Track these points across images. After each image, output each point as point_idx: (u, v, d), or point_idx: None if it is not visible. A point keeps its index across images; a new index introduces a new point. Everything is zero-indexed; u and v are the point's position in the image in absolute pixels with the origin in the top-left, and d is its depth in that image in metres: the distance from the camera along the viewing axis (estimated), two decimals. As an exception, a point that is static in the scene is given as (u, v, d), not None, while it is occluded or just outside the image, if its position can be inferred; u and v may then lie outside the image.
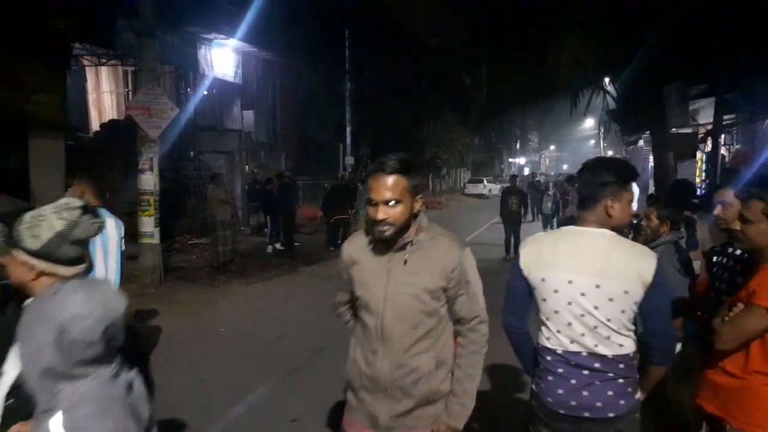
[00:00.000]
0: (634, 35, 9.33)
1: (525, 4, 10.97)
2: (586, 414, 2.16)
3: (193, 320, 7.75)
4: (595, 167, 2.26)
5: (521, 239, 8.01)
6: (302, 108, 21.83)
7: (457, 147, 35.34)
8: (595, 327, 2.14)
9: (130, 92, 16.99)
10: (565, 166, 71.62)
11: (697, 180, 13.30)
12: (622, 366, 2.16)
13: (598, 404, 2.14)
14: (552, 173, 47.27)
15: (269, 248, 13.39)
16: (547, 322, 2.24)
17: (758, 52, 8.57)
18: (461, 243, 2.25)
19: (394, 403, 2.21)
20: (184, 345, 6.57)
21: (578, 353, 2.18)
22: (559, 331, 2.21)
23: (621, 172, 2.23)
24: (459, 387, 2.25)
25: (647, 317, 2.18)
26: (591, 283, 2.13)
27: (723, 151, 12.99)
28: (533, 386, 2.34)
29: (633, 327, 2.19)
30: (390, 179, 2.07)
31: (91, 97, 17.95)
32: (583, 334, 2.16)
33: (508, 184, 14.28)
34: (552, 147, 78.24)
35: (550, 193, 16.60)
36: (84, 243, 1.81)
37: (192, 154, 17.08)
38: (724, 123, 11.64)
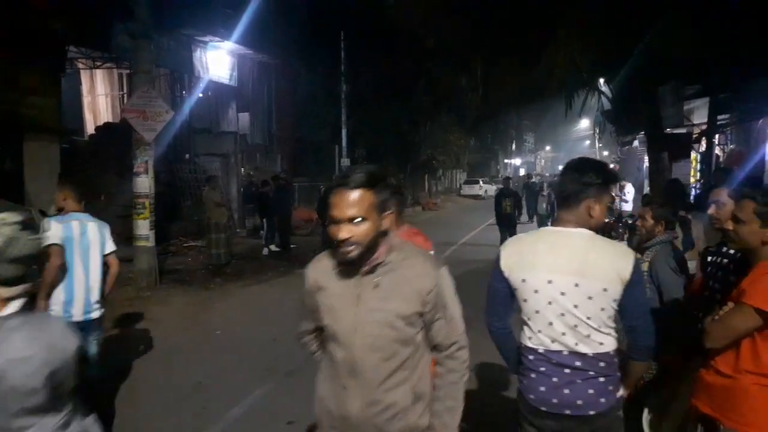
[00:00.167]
0: (630, 36, 9.35)
1: (520, 5, 10.99)
2: (567, 411, 2.20)
3: (189, 323, 7.73)
4: (579, 168, 2.30)
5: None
6: (298, 110, 21.82)
7: (452, 148, 35.33)
8: (576, 326, 2.18)
9: (125, 95, 16.98)
10: (560, 167, 71.22)
11: (692, 180, 13.35)
12: (602, 364, 2.20)
13: (579, 402, 2.18)
14: (548, 174, 47.35)
15: (265, 250, 13.38)
16: (529, 322, 2.28)
17: (752, 53, 8.61)
18: (437, 262, 2.07)
19: None
20: (180, 348, 6.56)
21: (559, 352, 2.21)
22: (540, 331, 2.24)
23: (604, 174, 2.28)
24: (438, 421, 2.06)
25: (627, 314, 2.22)
26: (570, 282, 2.17)
27: (717, 151, 13.03)
28: (519, 384, 2.38)
29: (613, 325, 2.23)
30: (354, 195, 1.87)
31: (86, 100, 17.93)
32: (564, 333, 2.20)
33: (502, 186, 14.26)
34: (548, 148, 78.35)
35: (545, 193, 16.62)
36: (27, 261, 1.57)
37: (187, 156, 17.08)
38: (718, 123, 11.68)
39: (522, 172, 52.93)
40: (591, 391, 2.18)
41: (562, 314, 2.19)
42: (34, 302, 3.34)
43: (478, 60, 13.53)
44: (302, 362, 5.99)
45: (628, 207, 15.36)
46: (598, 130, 14.57)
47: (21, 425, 1.27)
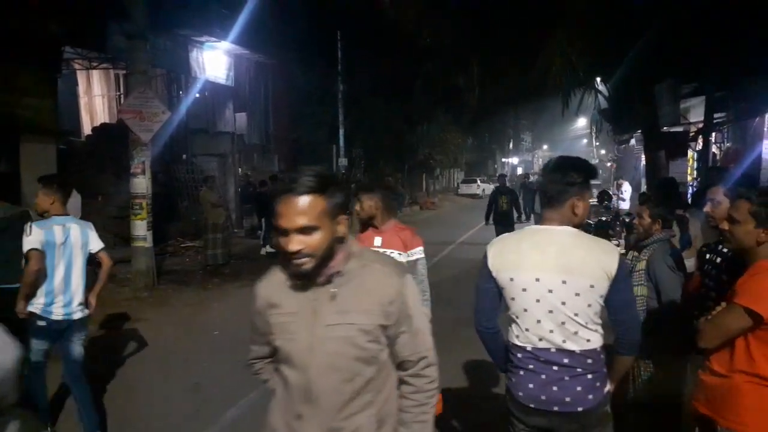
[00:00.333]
0: (626, 35, 9.36)
1: (517, 4, 11.00)
2: (556, 408, 2.22)
3: (187, 323, 7.73)
4: (562, 167, 2.32)
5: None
6: (295, 110, 21.81)
7: (450, 147, 35.38)
8: (563, 323, 2.20)
9: (122, 96, 16.94)
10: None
11: (689, 178, 13.37)
12: (590, 361, 2.22)
13: (567, 399, 2.21)
14: (545, 173, 47.28)
15: (263, 250, 13.38)
16: (517, 320, 2.30)
17: (748, 51, 8.62)
18: (400, 269, 1.88)
19: None
20: (178, 349, 6.55)
21: (547, 350, 2.24)
22: (528, 329, 2.26)
23: (586, 172, 2.30)
24: None
25: (614, 310, 2.24)
26: (557, 279, 2.19)
27: (714, 149, 13.06)
28: (507, 382, 2.40)
29: (600, 321, 2.25)
30: (303, 201, 1.66)
31: (83, 101, 17.89)
32: (551, 331, 2.22)
33: (497, 184, 14.04)
34: (545, 146, 78.40)
35: (542, 192, 16.59)
36: None
37: (184, 156, 17.06)
38: (714, 121, 11.70)
39: (519, 171, 52.99)
40: (579, 388, 2.20)
41: (551, 311, 2.21)
42: None
43: (475, 59, 13.54)
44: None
45: (625, 205, 15.39)
46: (595, 129, 14.57)
47: None
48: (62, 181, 4.28)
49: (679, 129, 12.65)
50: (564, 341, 2.21)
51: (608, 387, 2.30)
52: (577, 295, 2.18)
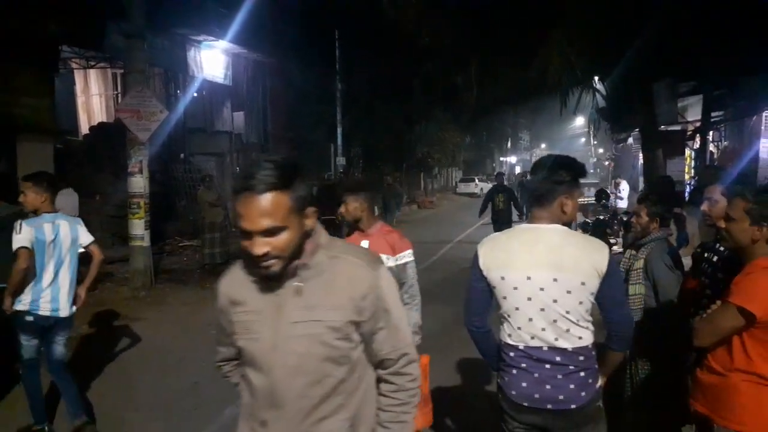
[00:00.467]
0: (625, 35, 9.37)
1: (516, 3, 11.00)
2: (549, 406, 2.23)
3: (185, 322, 7.72)
4: (550, 166, 2.33)
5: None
6: (293, 109, 21.79)
7: (448, 146, 35.40)
8: (555, 321, 2.21)
9: (120, 95, 16.93)
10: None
11: (686, 177, 13.39)
12: (581, 358, 2.23)
13: (561, 397, 2.22)
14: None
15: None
16: (509, 319, 2.31)
17: (746, 50, 8.64)
18: (374, 260, 1.72)
19: None
20: (176, 348, 6.55)
21: (539, 348, 2.24)
22: (520, 328, 2.27)
23: (575, 171, 2.31)
24: None
25: (605, 306, 2.26)
26: (549, 277, 2.20)
27: (711, 147, 13.09)
28: (498, 381, 2.41)
29: (590, 319, 2.26)
30: (265, 200, 1.49)
31: (80, 100, 17.87)
32: (543, 329, 2.23)
33: (495, 183, 13.74)
34: (543, 145, 78.45)
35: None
36: None
37: (182, 156, 17.04)
38: (712, 120, 11.73)
39: (518, 170, 53.02)
40: (572, 386, 2.22)
41: (542, 309, 2.22)
42: None
43: (474, 58, 13.53)
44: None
45: (623, 204, 15.41)
46: (592, 128, 14.59)
47: None
48: (51, 178, 4.33)
49: (677, 128, 12.67)
50: (556, 339, 2.22)
51: (600, 382, 2.32)
52: (569, 292, 2.19)
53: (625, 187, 16.65)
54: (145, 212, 9.40)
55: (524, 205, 17.83)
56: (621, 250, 5.53)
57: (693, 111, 13.15)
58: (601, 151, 51.58)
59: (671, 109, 10.89)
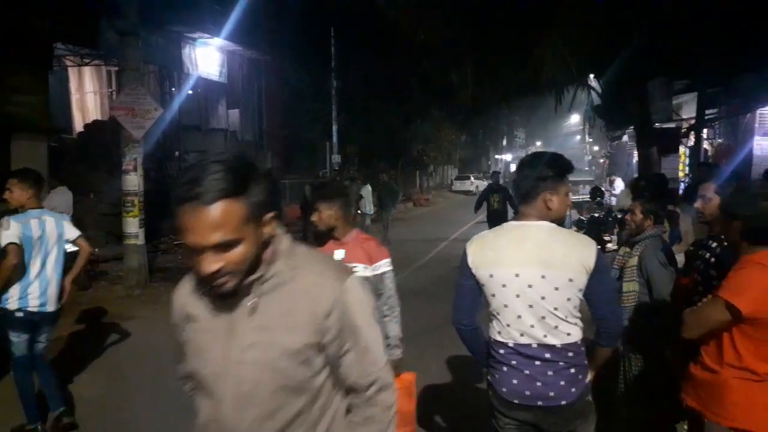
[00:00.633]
0: (620, 33, 9.40)
1: (511, 2, 11.01)
2: (540, 403, 2.24)
3: (180, 321, 7.70)
4: (532, 163, 2.35)
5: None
6: (288, 106, 21.76)
7: (443, 144, 35.42)
8: (543, 317, 2.22)
9: (114, 92, 16.86)
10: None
11: (681, 174, 13.44)
12: (571, 354, 2.24)
13: (551, 394, 2.23)
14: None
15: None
16: (498, 317, 2.31)
17: (740, 49, 8.67)
18: (341, 271, 1.50)
19: None
20: (170, 346, 6.53)
21: (529, 345, 2.25)
22: (509, 325, 2.28)
23: (558, 166, 2.31)
24: None
25: (593, 303, 2.27)
26: (537, 274, 2.21)
27: (706, 145, 13.13)
28: (488, 378, 2.41)
29: (579, 315, 2.27)
30: (215, 211, 1.26)
31: (75, 98, 17.79)
32: (532, 326, 2.23)
33: (490, 181, 13.55)
34: (538, 143, 78.50)
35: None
36: None
37: (177, 153, 16.99)
38: (706, 117, 11.77)
39: (513, 167, 53.08)
40: (562, 383, 2.23)
41: (531, 306, 2.23)
42: None
43: (470, 56, 13.54)
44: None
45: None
46: (588, 126, 14.63)
47: None
48: (37, 175, 4.35)
49: (672, 125, 12.72)
50: (545, 336, 2.23)
51: (589, 377, 2.33)
52: (557, 289, 2.20)
53: (619, 185, 16.69)
54: (140, 210, 9.38)
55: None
56: (616, 247, 5.55)
57: (687, 108, 13.19)
58: (596, 148, 51.68)
59: (666, 107, 10.92)
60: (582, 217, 10.94)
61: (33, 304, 4.14)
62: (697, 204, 3.32)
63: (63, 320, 7.01)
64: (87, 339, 6.76)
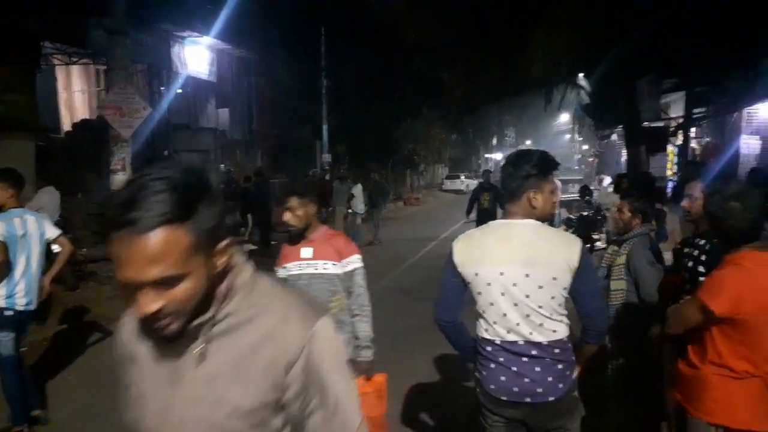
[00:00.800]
0: (609, 33, 9.44)
1: (501, 2, 11.03)
2: (528, 399, 2.25)
3: (170, 321, 7.66)
4: (516, 162, 2.35)
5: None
6: (278, 105, 21.70)
7: (434, 143, 35.46)
8: (528, 315, 2.23)
9: (102, 91, 16.75)
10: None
11: (669, 173, 13.53)
12: (557, 351, 2.26)
13: (539, 390, 2.24)
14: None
15: (245, 246, 13.31)
16: (484, 314, 2.32)
17: (727, 49, 8.74)
18: (309, 312, 1.23)
19: None
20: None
21: (515, 342, 2.26)
22: (495, 322, 2.29)
23: (541, 164, 2.31)
24: None
25: (579, 300, 2.28)
26: (521, 272, 2.22)
27: (693, 143, 13.23)
28: (476, 375, 2.42)
29: (565, 312, 2.28)
30: (153, 240, 1.03)
31: (62, 97, 17.66)
32: (518, 323, 2.25)
33: (481, 180, 13.35)
34: (528, 142, 78.70)
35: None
36: None
37: (166, 153, 16.90)
38: (694, 116, 11.87)
39: (503, 166, 53.08)
40: (550, 379, 2.24)
41: (515, 304, 2.24)
42: None
43: (460, 56, 13.58)
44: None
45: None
46: (577, 125, 14.70)
47: None
48: (17, 175, 4.35)
49: (660, 124, 12.81)
50: (531, 333, 2.24)
51: (576, 373, 2.34)
52: (540, 287, 2.21)
53: (608, 183, 16.79)
54: (129, 210, 9.31)
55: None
56: (605, 245, 5.58)
57: (676, 107, 13.29)
58: (585, 147, 51.92)
59: (654, 106, 10.99)
60: (571, 216, 10.97)
61: (20, 303, 4.15)
62: (684, 203, 3.34)
63: (49, 320, 7.00)
64: (72, 339, 6.70)
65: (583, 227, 8.71)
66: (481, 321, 2.35)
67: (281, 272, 3.19)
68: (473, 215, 11.74)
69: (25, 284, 4.19)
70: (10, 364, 4.14)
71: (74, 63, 16.46)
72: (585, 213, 9.73)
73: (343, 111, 23.30)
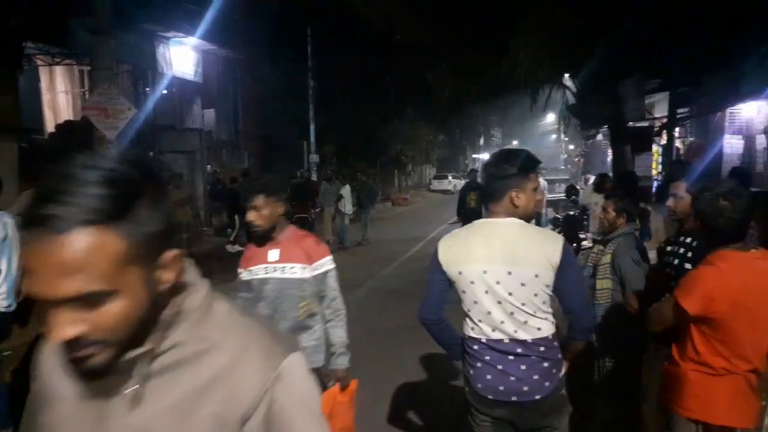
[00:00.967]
0: (593, 33, 9.50)
1: (485, 2, 11.07)
2: (514, 398, 2.26)
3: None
4: (496, 162, 2.37)
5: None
6: (265, 106, 21.63)
7: (421, 143, 35.52)
8: (512, 313, 2.24)
9: (86, 92, 16.59)
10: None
11: (654, 172, 13.65)
12: (542, 349, 2.26)
13: (525, 388, 2.25)
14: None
15: (229, 248, 13.24)
16: (470, 313, 2.34)
17: (710, 49, 8.83)
18: (274, 347, 0.99)
19: None
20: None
21: (500, 340, 2.27)
22: (480, 321, 2.30)
23: (521, 163, 2.31)
24: None
25: (563, 297, 2.29)
26: (503, 270, 2.23)
27: (678, 143, 13.36)
28: (464, 374, 2.43)
29: (549, 310, 2.30)
30: (70, 244, 0.81)
31: (46, 98, 17.44)
32: (502, 322, 2.26)
33: (468, 180, 13.39)
34: (515, 142, 78.94)
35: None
36: None
37: (152, 154, 16.77)
38: (678, 116, 11.98)
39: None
40: (536, 377, 2.25)
41: (499, 302, 2.25)
42: None
43: (445, 56, 13.59)
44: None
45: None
46: (563, 125, 14.77)
47: None
48: None
49: (645, 124, 12.92)
50: (515, 331, 2.25)
51: (563, 371, 2.36)
52: (523, 285, 2.22)
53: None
54: (114, 212, 9.23)
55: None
56: (591, 244, 5.61)
57: (660, 107, 13.41)
58: (571, 147, 52.27)
59: (639, 106, 11.08)
60: (558, 215, 11.05)
61: (2, 306, 4.11)
62: (669, 202, 3.37)
63: (30, 323, 6.91)
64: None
65: (570, 226, 8.77)
66: (467, 320, 2.36)
67: (245, 275, 2.97)
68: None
69: (7, 287, 4.14)
70: None
71: (57, 63, 16.26)
72: (571, 212, 9.80)
73: (330, 111, 23.25)
